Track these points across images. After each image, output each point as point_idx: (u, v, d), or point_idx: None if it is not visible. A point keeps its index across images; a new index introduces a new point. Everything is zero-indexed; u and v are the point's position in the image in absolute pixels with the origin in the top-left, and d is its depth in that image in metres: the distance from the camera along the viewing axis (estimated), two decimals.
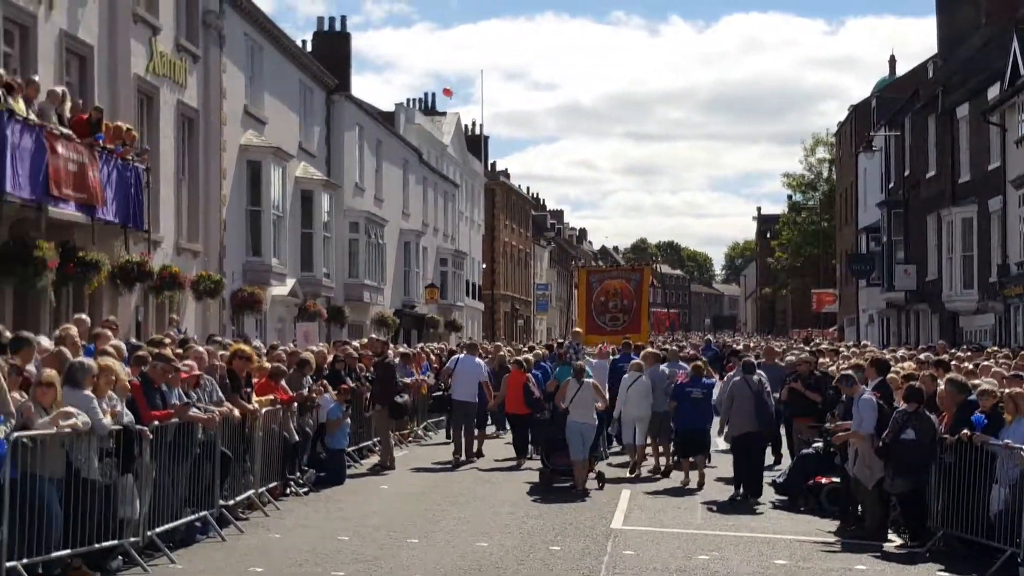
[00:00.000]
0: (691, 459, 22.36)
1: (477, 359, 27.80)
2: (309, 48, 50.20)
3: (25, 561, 12.00)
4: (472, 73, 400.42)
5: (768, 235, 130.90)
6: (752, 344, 57.54)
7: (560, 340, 29.38)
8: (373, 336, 33.04)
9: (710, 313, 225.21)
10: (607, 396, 23.18)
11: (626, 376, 23.92)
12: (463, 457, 25.79)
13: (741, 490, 20.44)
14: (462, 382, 26.82)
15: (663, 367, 24.61)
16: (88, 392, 13.13)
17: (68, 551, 12.73)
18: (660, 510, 19.08)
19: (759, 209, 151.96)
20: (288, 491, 19.63)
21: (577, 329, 36.16)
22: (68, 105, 24.37)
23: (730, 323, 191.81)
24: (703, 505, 19.71)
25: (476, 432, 27.00)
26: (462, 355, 28.64)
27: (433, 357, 34.00)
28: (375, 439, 25.34)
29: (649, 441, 23.96)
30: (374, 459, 24.86)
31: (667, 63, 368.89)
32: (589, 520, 17.77)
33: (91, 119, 24.73)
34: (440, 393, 29.20)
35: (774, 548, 15.83)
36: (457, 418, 26.89)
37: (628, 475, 23.27)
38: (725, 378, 24.84)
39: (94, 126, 24.77)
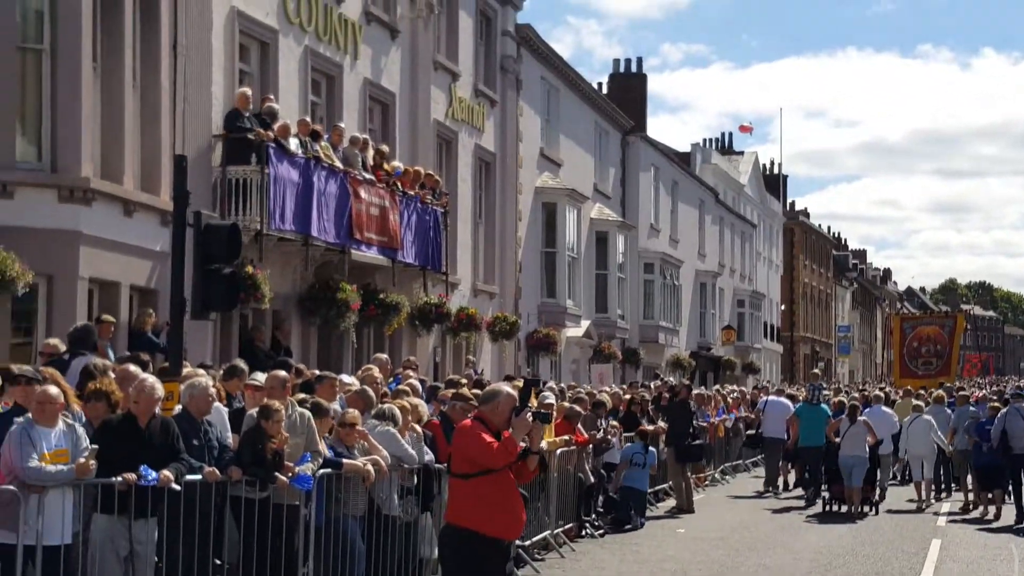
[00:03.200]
0: (990, 494, 23.45)
1: (784, 399, 30.46)
2: (605, 90, 50.57)
3: None
4: (770, 112, 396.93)
5: None
6: None
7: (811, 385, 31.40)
8: (667, 379, 33.11)
9: None
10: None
11: (907, 417, 26.21)
12: (771, 489, 28.27)
13: None
14: (772, 420, 29.16)
15: (971, 407, 25.90)
16: (392, 429, 13.41)
17: None
18: (973, 561, 18.19)
19: None
20: (583, 532, 19.59)
21: (815, 371, 40.27)
22: (371, 152, 25.12)
23: None
24: (1021, 557, 18.68)
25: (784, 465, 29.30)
26: (772, 396, 31.56)
27: (730, 400, 33.63)
28: (670, 482, 25.10)
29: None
30: (671, 502, 24.62)
31: (979, 97, 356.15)
32: (898, 570, 17.09)
33: (376, 164, 25.22)
34: (754, 432, 31.21)
35: None
36: (768, 453, 29.48)
37: (914, 509, 24.82)
38: None
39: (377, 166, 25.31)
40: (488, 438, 8.88)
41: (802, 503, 25.65)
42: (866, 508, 23.86)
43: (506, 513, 9.01)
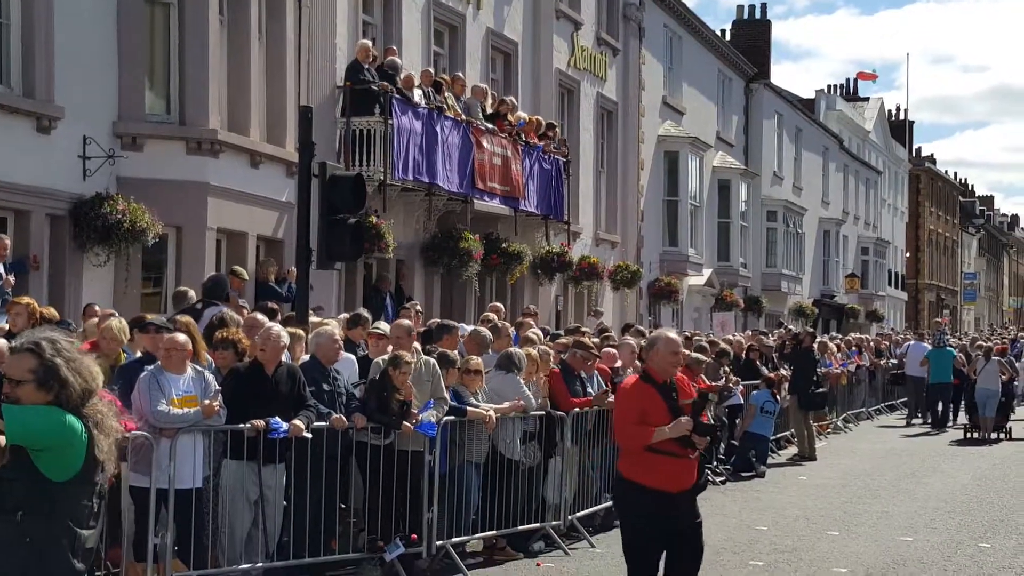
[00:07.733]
0: None
1: (925, 344, 33.25)
2: (728, 37, 50.05)
3: (453, 540, 12.46)
4: (896, 59, 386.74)
5: None
6: None
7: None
8: (789, 327, 33.14)
9: None
10: None
11: None
12: (915, 421, 31.56)
13: None
14: (914, 361, 32.07)
15: None
16: (517, 376, 13.51)
17: (493, 532, 13.14)
18: None
19: None
20: (706, 479, 19.56)
21: (938, 319, 45.99)
22: (490, 100, 25.20)
23: None
24: None
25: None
26: (914, 341, 36.08)
27: (855, 347, 33.40)
28: (791, 430, 24.99)
29: None
30: (792, 450, 24.52)
31: None
32: (1023, 519, 16.87)
33: (497, 113, 25.22)
34: (897, 371, 34.33)
35: None
36: (909, 390, 32.87)
37: None
38: None
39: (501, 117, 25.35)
40: (632, 417, 8.98)
41: (925, 433, 28.84)
42: (998, 435, 27.60)
43: (668, 466, 9.07)
